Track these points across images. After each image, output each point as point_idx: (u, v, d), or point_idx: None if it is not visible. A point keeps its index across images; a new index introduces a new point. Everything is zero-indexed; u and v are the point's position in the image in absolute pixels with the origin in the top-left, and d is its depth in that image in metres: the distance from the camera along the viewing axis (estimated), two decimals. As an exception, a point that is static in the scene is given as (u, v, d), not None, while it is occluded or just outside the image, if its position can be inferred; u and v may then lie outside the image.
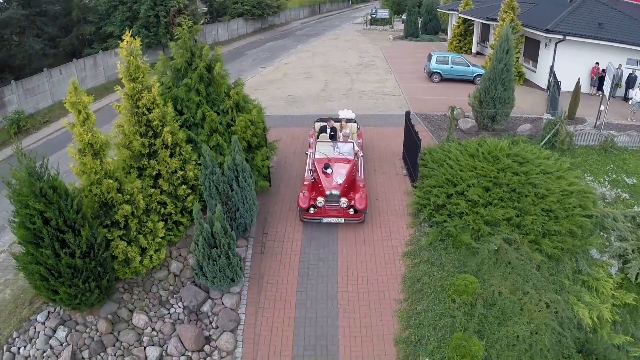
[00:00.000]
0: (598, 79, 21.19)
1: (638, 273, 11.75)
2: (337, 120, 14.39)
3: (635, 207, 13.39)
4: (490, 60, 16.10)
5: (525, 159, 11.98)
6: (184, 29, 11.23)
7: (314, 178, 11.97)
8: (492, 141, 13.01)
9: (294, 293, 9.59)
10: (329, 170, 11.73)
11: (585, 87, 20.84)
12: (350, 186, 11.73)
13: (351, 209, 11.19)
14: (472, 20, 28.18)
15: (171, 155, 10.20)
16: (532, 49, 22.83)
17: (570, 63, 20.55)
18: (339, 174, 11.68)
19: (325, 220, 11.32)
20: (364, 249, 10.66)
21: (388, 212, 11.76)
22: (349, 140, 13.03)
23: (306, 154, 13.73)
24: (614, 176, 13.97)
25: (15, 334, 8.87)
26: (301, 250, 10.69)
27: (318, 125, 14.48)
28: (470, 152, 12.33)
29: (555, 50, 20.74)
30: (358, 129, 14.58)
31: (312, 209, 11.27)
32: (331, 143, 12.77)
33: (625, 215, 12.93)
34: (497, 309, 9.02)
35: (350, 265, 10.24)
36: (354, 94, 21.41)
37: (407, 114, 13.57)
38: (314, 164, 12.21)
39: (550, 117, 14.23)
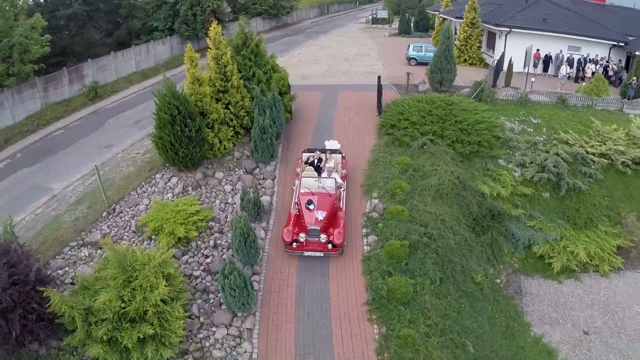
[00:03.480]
0: (543, 62, 29.07)
1: (533, 176, 19.46)
2: (324, 151, 16.55)
3: (537, 137, 21.13)
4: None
5: (452, 102, 19.91)
6: (240, 21, 19.37)
7: (298, 210, 13.99)
8: (435, 94, 20.99)
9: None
10: (311, 206, 13.60)
11: (530, 68, 28.62)
12: (330, 221, 13.64)
13: (330, 244, 13.30)
14: (449, 19, 36.28)
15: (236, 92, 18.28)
16: (491, 40, 30.82)
17: (518, 50, 28.24)
18: (321, 209, 13.57)
19: (306, 254, 13.50)
20: (347, 149, 18.63)
21: (363, 132, 19.92)
22: (332, 175, 15.14)
23: (292, 188, 15.86)
24: (523, 118, 21.81)
25: (143, 183, 16.77)
26: (311, 144, 19.00)
27: (305, 155, 16.57)
28: (418, 99, 20.30)
29: (505, 40, 28.66)
30: (343, 158, 16.86)
31: (294, 243, 13.33)
32: (315, 178, 14.83)
33: (528, 141, 20.71)
34: (420, 172, 16.93)
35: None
36: (351, 73, 29.59)
37: (379, 77, 21.67)
38: (298, 197, 14.26)
39: (477, 80, 22.18)
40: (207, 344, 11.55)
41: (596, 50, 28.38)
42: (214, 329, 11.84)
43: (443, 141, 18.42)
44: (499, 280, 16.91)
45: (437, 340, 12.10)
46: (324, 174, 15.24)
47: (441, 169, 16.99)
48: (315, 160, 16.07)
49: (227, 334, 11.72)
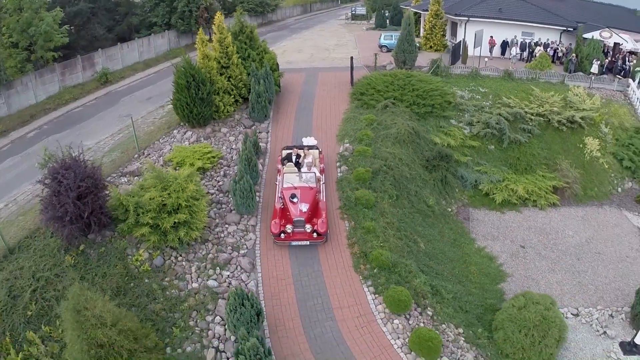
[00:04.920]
0: (501, 47, 34.39)
1: (479, 132, 24.57)
2: (301, 147, 18.12)
3: (484, 102, 26.32)
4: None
5: (411, 75, 25.13)
6: (237, 14, 24.46)
7: (282, 204, 15.50)
8: (398, 70, 26.23)
9: (292, 124, 22.61)
10: (295, 200, 14.93)
11: (485, 53, 34.00)
12: (313, 212, 15.13)
13: (314, 233, 14.83)
14: (419, 13, 41.88)
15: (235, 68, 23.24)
16: (454, 29, 36.33)
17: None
18: (304, 202, 14.98)
19: (294, 243, 15.01)
20: (325, 112, 23.71)
21: (338, 101, 25.18)
22: (312, 169, 16.76)
23: (275, 183, 17.37)
24: (473, 88, 27.06)
25: (163, 136, 21.62)
26: (296, 109, 23.96)
27: (285, 152, 18.21)
28: (383, 74, 25.51)
29: (465, 28, 34.04)
30: (320, 153, 18.47)
31: (282, 234, 14.77)
32: (296, 173, 16.36)
33: (475, 105, 25.91)
34: (383, 125, 22.05)
35: (319, 117, 23.26)
36: (330, 59, 34.89)
37: (351, 58, 26.94)
38: (282, 192, 15.75)
39: (434, 58, 27.48)
40: (222, 235, 16.36)
41: (548, 35, 33.72)
42: (226, 226, 16.68)
43: (402, 104, 23.60)
44: (450, 210, 21.86)
45: (394, 233, 17.01)
46: (304, 169, 17.05)
47: (399, 123, 22.11)
48: (294, 157, 17.92)
49: (237, 228, 16.57)
